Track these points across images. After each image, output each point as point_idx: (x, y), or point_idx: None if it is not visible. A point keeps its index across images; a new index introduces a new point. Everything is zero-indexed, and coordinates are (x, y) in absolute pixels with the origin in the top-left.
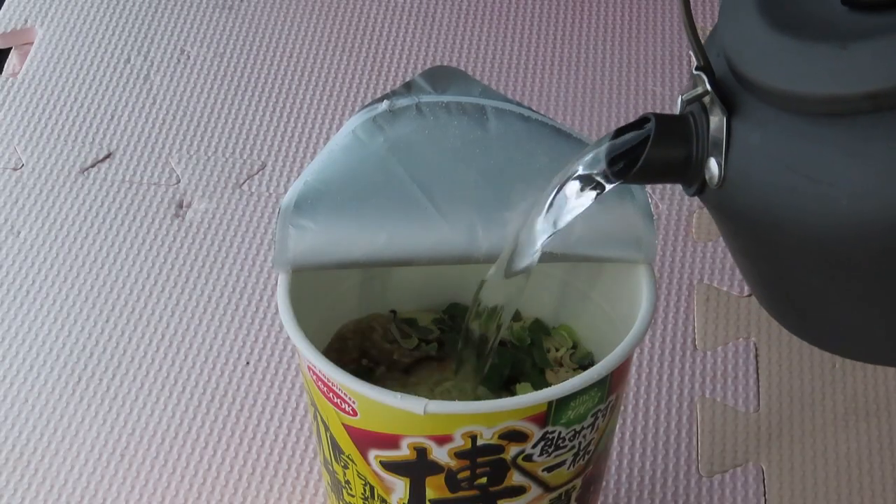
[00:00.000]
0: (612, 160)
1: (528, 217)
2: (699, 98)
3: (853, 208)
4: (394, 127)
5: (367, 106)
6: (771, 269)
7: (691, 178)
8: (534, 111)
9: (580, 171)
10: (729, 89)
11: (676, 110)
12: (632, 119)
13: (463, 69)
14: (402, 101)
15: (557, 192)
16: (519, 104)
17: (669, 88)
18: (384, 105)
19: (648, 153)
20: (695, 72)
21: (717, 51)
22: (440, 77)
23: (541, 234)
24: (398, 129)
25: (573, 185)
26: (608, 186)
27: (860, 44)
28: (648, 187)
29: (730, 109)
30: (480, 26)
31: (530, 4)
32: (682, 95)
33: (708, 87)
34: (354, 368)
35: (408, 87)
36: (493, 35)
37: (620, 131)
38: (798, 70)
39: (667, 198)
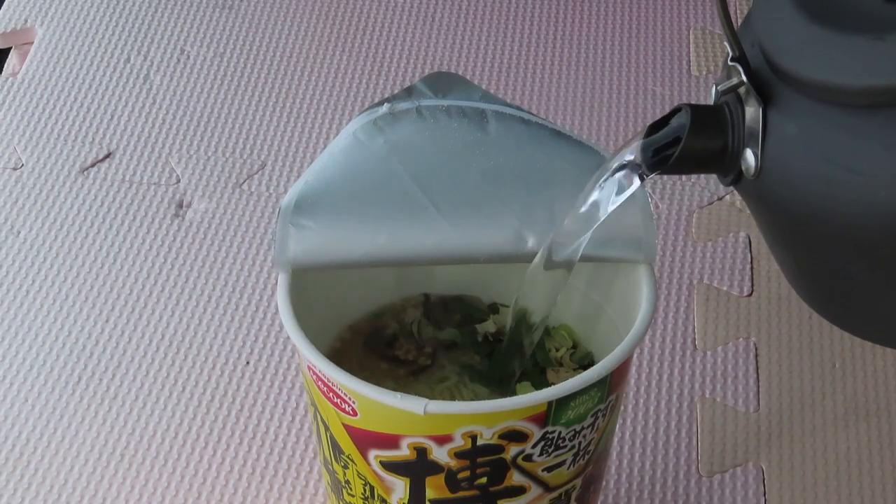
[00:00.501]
0: (649, 153)
1: (565, 216)
2: (734, 88)
3: (891, 199)
4: (394, 129)
5: (367, 109)
6: (808, 259)
7: (727, 168)
8: (534, 115)
9: (618, 165)
10: (764, 80)
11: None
12: (632, 119)
13: (463, 69)
14: (403, 105)
15: (595, 187)
16: (519, 108)
17: (669, 88)
18: (384, 108)
19: (685, 144)
20: (730, 62)
21: (752, 41)
22: (441, 82)
23: (580, 229)
24: (398, 131)
25: (612, 179)
26: (646, 178)
27: None
28: (648, 187)
29: (765, 100)
30: (480, 27)
31: (530, 5)
32: (716, 85)
33: (744, 77)
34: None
35: (408, 92)
36: (493, 35)
37: (655, 126)
38: (835, 61)
39: (667, 198)
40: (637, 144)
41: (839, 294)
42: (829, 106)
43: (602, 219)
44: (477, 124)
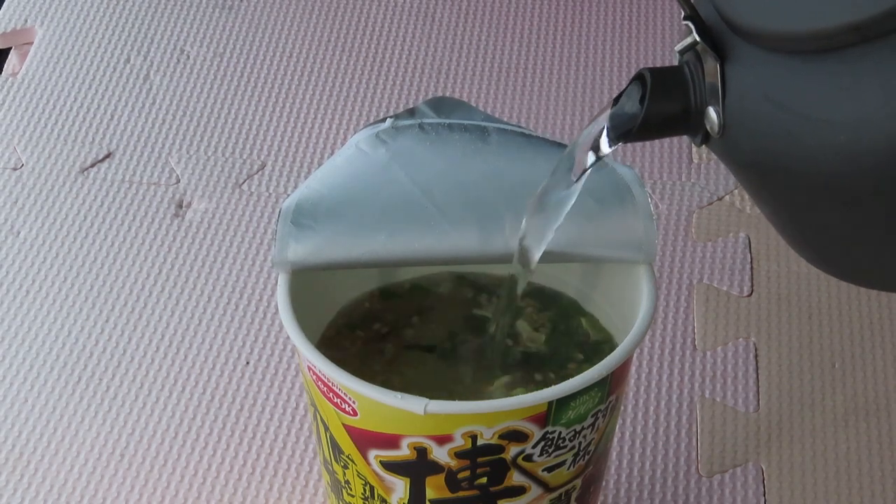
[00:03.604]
0: (615, 122)
1: (535, 198)
2: (691, 47)
3: (850, 142)
4: (396, 141)
5: (370, 124)
6: (785, 210)
7: (694, 128)
8: (535, 132)
9: (586, 141)
10: (720, 36)
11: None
12: None
13: (463, 69)
14: (406, 122)
15: (565, 164)
16: (520, 126)
17: None
18: (387, 123)
19: (647, 108)
20: (683, 21)
21: None
22: (443, 105)
23: (553, 211)
24: (401, 142)
25: (581, 154)
26: (612, 148)
27: None
28: (648, 187)
29: (722, 56)
30: (480, 26)
31: (530, 4)
32: (676, 46)
33: (695, 36)
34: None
35: (411, 113)
36: (493, 35)
37: (620, 97)
38: (781, 9)
39: (667, 198)
40: (605, 116)
41: (817, 241)
42: (782, 55)
43: (573, 198)
44: (478, 136)
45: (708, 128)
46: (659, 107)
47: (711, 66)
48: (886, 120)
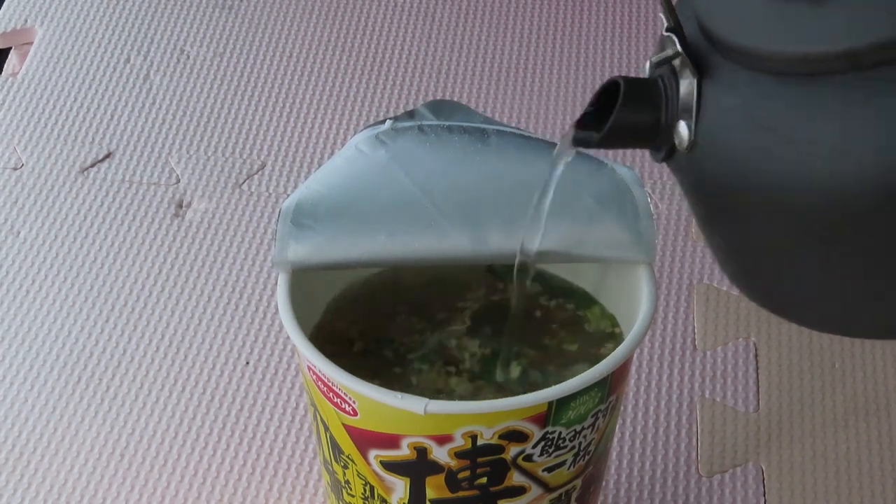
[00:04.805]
0: (582, 127)
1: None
2: (669, 60)
3: (829, 169)
4: (396, 142)
5: (369, 126)
6: (739, 236)
7: (660, 142)
8: (534, 134)
9: (564, 142)
10: (700, 52)
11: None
12: None
13: (463, 69)
14: (405, 124)
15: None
16: (519, 129)
17: None
18: (387, 125)
19: (616, 116)
20: (664, 33)
21: (689, 14)
22: (443, 108)
23: (537, 216)
24: (401, 144)
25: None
26: (574, 152)
27: (835, 1)
28: (648, 187)
29: (700, 72)
30: (480, 26)
31: (530, 4)
32: (650, 58)
33: (678, 48)
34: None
35: (410, 115)
36: (493, 35)
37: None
38: (771, 29)
39: (666, 198)
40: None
41: (769, 273)
42: (767, 75)
43: (550, 194)
44: (478, 138)
45: (676, 142)
46: (628, 116)
47: (688, 81)
48: (876, 151)
